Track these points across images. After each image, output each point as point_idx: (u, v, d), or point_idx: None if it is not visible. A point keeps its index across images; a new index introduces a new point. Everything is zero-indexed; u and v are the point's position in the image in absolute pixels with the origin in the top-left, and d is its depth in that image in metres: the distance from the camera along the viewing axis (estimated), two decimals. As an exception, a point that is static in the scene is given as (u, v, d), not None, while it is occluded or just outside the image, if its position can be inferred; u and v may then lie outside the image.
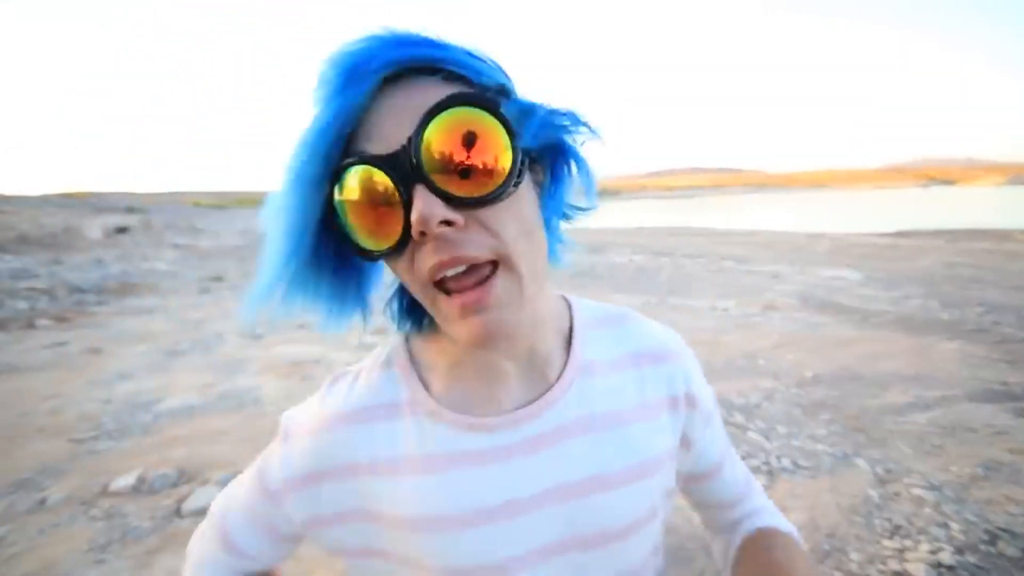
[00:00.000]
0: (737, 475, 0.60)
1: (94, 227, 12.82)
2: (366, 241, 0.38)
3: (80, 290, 7.46)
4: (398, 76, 0.37)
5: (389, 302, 0.50)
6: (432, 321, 0.48)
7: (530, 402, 0.47)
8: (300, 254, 0.38)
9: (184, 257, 11.43)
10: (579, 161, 0.45)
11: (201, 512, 2.38)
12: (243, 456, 2.90)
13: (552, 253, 0.48)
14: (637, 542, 0.49)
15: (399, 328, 0.51)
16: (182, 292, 7.80)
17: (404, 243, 0.37)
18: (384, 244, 0.38)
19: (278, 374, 4.22)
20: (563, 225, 0.50)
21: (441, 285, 0.38)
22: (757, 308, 6.51)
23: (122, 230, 13.83)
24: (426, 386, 0.48)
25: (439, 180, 0.35)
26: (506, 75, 0.42)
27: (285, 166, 0.37)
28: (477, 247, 0.37)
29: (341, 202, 0.37)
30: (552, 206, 0.45)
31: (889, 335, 5.21)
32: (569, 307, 0.53)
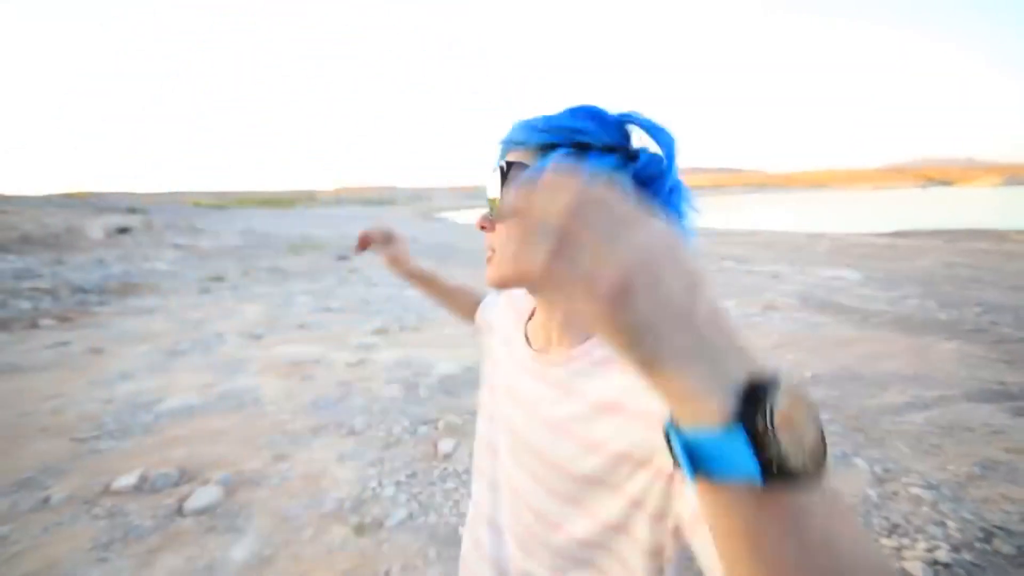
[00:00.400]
0: None
1: (96, 227, 12.82)
2: None
3: (82, 290, 7.47)
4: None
5: None
6: None
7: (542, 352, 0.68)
8: None
9: (184, 257, 11.44)
10: None
11: (203, 511, 2.39)
12: (243, 455, 2.90)
13: None
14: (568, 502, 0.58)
15: None
16: (182, 292, 7.81)
17: None
18: None
19: (278, 374, 4.23)
20: None
21: None
22: (757, 308, 6.52)
23: (123, 230, 13.84)
24: (533, 314, 0.73)
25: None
26: (556, 132, 0.56)
27: None
28: (489, 240, 0.64)
29: None
30: None
31: (888, 335, 5.22)
32: None
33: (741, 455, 0.25)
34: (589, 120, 0.55)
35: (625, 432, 0.52)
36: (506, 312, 0.82)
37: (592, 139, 0.54)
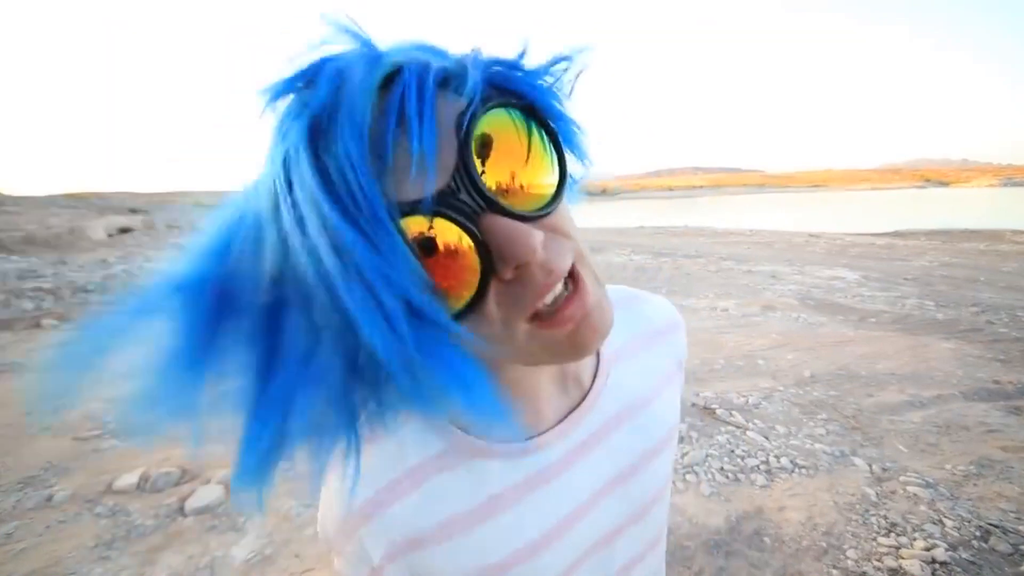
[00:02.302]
0: None
1: (98, 227, 12.81)
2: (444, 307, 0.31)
3: (84, 290, 7.47)
4: None
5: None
6: None
7: (572, 408, 0.47)
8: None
9: (187, 257, 11.44)
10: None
11: (204, 510, 2.39)
12: (246, 454, 2.91)
13: None
14: (664, 502, 0.54)
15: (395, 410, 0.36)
16: (185, 292, 7.81)
17: (483, 292, 0.31)
18: (459, 303, 0.31)
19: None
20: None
21: (534, 316, 0.34)
22: (756, 308, 6.52)
23: (125, 230, 13.83)
24: (459, 427, 0.43)
25: (507, 201, 0.31)
26: None
27: None
28: (564, 255, 0.33)
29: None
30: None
31: (886, 335, 5.22)
32: None
33: None
34: None
35: (671, 351, 0.56)
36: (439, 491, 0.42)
37: None
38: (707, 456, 2.84)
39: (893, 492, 2.49)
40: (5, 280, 7.73)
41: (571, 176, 0.37)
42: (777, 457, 2.83)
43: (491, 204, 0.30)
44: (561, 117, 0.36)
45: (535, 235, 0.30)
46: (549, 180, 0.34)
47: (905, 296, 7.06)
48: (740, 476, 2.66)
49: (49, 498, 2.48)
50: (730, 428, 3.19)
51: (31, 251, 10.44)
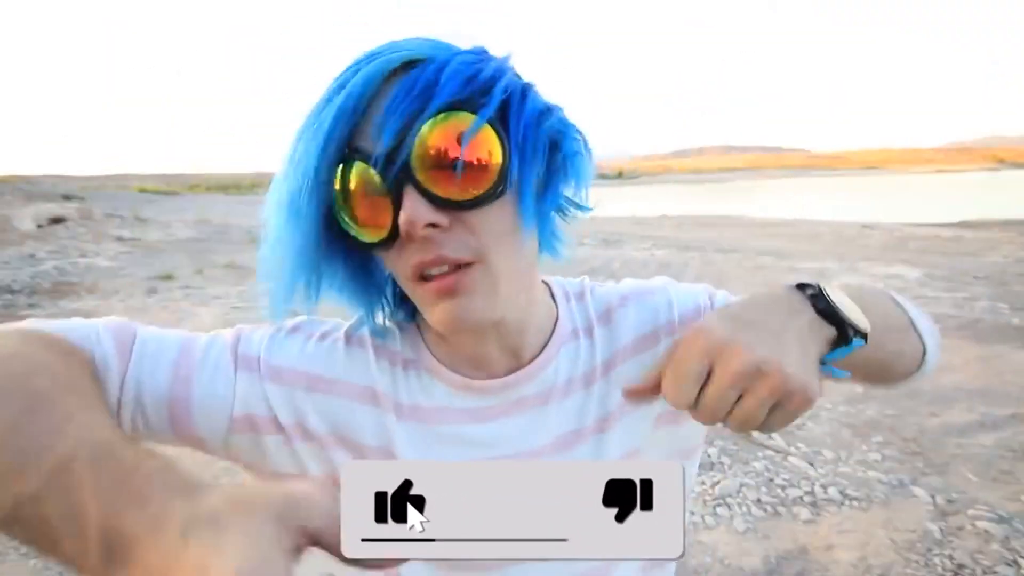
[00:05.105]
0: None
1: (25, 217, 12.84)
2: (360, 234, 0.47)
3: (9, 290, 7.49)
4: None
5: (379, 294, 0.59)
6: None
7: (514, 371, 0.57)
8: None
9: (128, 252, 11.45)
10: (572, 160, 0.50)
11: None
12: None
13: (550, 248, 0.57)
14: None
15: (392, 317, 0.59)
16: (126, 293, 7.82)
17: (393, 238, 0.45)
18: (375, 237, 0.46)
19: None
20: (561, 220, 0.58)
21: (422, 278, 0.46)
22: (798, 311, 6.54)
23: (57, 220, 13.85)
24: (428, 347, 0.58)
25: (426, 180, 0.43)
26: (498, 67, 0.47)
27: None
28: (458, 249, 0.44)
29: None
30: (548, 202, 0.51)
31: (952, 343, 5.22)
32: (552, 297, 0.62)
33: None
34: None
35: (627, 331, 0.61)
36: (354, 358, 0.57)
37: None
38: (741, 486, 2.85)
39: (960, 528, 2.50)
40: (-84, 279, 7.75)
41: (527, 203, 0.47)
42: (824, 487, 2.84)
43: (410, 176, 0.42)
44: (528, 139, 0.46)
45: (425, 216, 0.42)
46: (476, 182, 0.43)
47: (975, 298, 7.07)
48: (780, 509, 2.67)
49: None
50: (768, 453, 3.20)
51: (-54, 244, 10.46)
